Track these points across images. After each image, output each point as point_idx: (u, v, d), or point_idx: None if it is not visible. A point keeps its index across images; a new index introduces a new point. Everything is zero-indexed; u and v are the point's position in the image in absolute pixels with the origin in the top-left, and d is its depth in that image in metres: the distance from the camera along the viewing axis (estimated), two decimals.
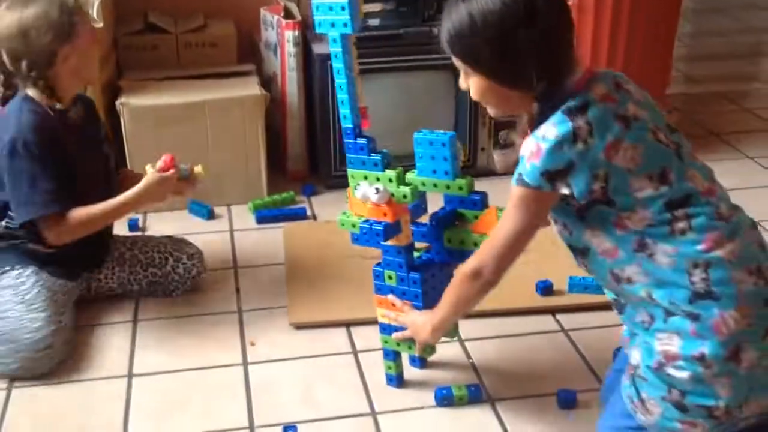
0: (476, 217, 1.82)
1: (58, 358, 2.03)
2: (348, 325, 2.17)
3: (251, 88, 2.82)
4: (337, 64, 1.82)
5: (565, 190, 1.44)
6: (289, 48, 2.88)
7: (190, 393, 1.96)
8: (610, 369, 1.78)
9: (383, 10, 2.85)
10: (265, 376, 2.00)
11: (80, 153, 2.12)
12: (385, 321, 1.90)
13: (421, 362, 2.01)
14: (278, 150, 3.03)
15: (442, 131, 1.75)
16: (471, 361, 2.04)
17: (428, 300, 1.83)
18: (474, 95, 1.53)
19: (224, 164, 2.80)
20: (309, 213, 2.81)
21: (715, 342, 1.41)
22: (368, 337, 2.11)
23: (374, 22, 2.85)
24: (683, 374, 1.43)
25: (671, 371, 1.44)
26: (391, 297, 1.87)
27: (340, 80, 1.82)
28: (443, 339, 1.93)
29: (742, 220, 1.50)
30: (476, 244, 1.78)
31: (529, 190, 1.46)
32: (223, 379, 2.00)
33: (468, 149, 2.97)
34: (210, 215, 2.78)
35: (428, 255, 1.89)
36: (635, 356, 1.51)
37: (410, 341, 1.87)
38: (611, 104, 1.45)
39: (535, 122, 1.47)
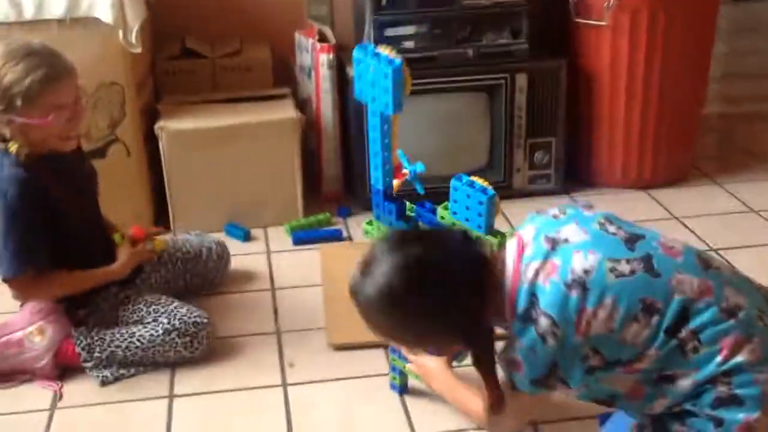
0: None
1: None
2: (387, 346, 2.16)
3: (287, 111, 2.84)
4: (373, 134, 1.78)
5: (560, 385, 1.43)
6: (324, 71, 2.90)
7: (230, 414, 1.96)
8: None
9: (417, 33, 2.86)
10: (304, 397, 2.00)
11: (73, 191, 2.12)
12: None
13: (401, 389, 2.00)
14: (314, 172, 3.04)
15: (481, 185, 1.65)
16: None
17: None
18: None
19: (261, 186, 2.83)
20: (345, 234, 2.81)
21: None
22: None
23: (408, 44, 2.86)
24: None
25: None
26: None
27: (374, 148, 1.79)
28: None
29: (755, 304, 1.42)
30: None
31: (524, 394, 1.47)
32: (263, 401, 2.00)
33: (503, 170, 2.97)
34: (247, 237, 2.80)
35: None
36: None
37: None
38: (555, 276, 1.38)
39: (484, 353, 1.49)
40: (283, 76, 3.14)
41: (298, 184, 2.85)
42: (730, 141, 3.50)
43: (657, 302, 1.37)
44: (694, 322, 1.37)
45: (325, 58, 2.88)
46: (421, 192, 1.88)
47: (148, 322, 2.10)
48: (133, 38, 2.58)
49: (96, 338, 2.09)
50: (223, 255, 2.47)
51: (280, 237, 2.81)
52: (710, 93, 3.31)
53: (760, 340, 1.38)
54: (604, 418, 1.75)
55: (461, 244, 1.47)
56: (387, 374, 2.06)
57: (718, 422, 1.38)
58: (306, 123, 2.87)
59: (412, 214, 1.84)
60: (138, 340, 2.08)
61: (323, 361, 2.14)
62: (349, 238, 2.80)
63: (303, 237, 2.78)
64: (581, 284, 1.37)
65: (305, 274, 2.56)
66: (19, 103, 1.93)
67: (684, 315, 1.38)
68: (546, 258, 1.41)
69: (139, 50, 2.61)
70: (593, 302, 1.37)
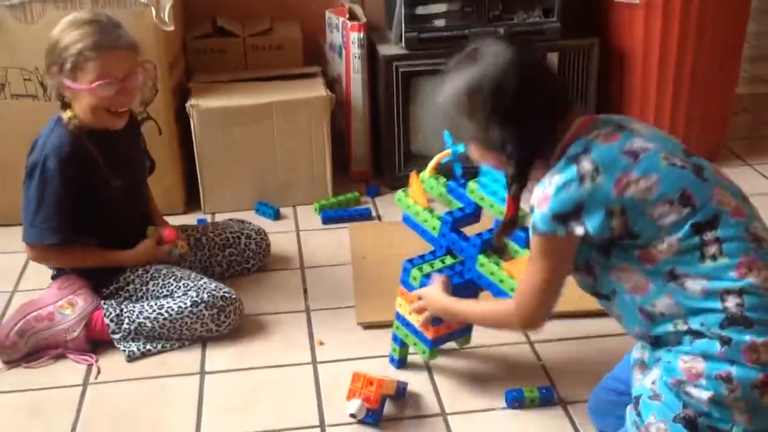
0: (516, 252, 1.83)
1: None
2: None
3: (317, 89, 2.84)
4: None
5: (579, 230, 1.42)
6: (354, 50, 2.89)
7: (260, 391, 1.98)
8: (601, 385, 1.75)
9: (448, 11, 2.84)
10: (334, 375, 2.01)
11: (116, 170, 2.14)
12: (400, 310, 1.94)
13: (400, 363, 2.02)
14: (343, 151, 3.05)
15: None
16: (541, 362, 2.03)
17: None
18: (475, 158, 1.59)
19: (290, 165, 2.83)
20: (374, 213, 2.82)
21: (745, 367, 1.37)
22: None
23: (440, 23, 2.85)
24: (704, 394, 1.39)
25: (691, 390, 1.40)
26: (414, 293, 1.89)
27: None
28: (452, 345, 2.02)
29: None
30: (502, 281, 1.79)
31: (545, 238, 1.45)
32: (293, 378, 2.02)
33: None
34: (276, 216, 2.81)
35: (458, 269, 1.88)
36: (651, 377, 1.47)
37: (417, 339, 1.92)
38: (615, 142, 1.44)
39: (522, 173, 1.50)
40: (314, 54, 3.14)
41: (328, 163, 2.86)
42: (762, 121, 3.46)
43: (695, 197, 1.41)
44: (722, 231, 1.39)
45: (355, 36, 2.88)
46: (458, 173, 1.90)
47: (178, 296, 2.12)
48: (166, 16, 2.59)
49: (125, 310, 2.12)
50: (262, 244, 2.45)
51: (309, 216, 2.82)
52: (741, 73, 3.26)
53: None
54: (595, 408, 1.75)
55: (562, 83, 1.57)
56: (416, 353, 2.07)
57: (726, 341, 1.37)
58: (336, 102, 2.87)
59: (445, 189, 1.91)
60: (166, 312, 2.10)
61: (352, 340, 2.15)
62: (378, 217, 2.80)
63: (332, 216, 2.78)
64: (635, 155, 1.42)
65: (334, 253, 2.57)
66: (68, 66, 1.98)
67: (714, 220, 1.40)
68: (614, 130, 1.47)
69: (171, 29, 2.62)
70: (639, 171, 1.41)
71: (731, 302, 1.38)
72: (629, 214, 1.41)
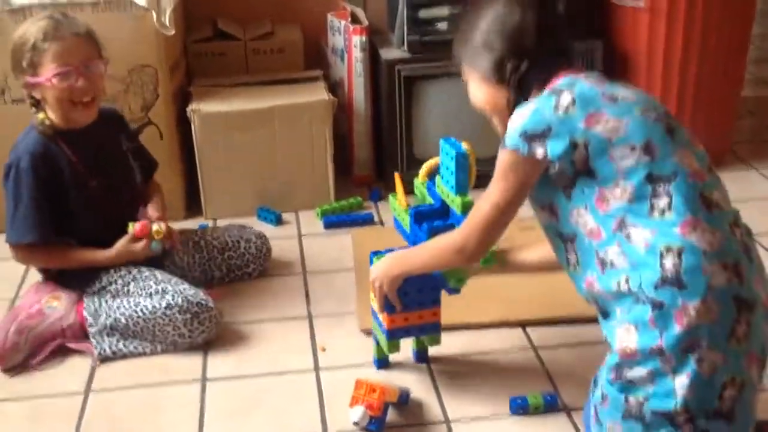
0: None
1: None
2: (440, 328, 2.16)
3: (319, 93, 2.83)
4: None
5: (539, 151, 1.47)
6: (356, 53, 2.88)
7: (262, 398, 1.96)
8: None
9: (451, 14, 2.83)
10: (336, 382, 2.00)
11: (93, 170, 2.15)
12: (372, 305, 1.94)
13: (381, 363, 2.02)
14: (345, 155, 3.03)
15: (460, 144, 1.79)
16: (545, 369, 2.01)
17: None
18: (475, 101, 1.68)
19: (292, 170, 2.82)
20: (376, 218, 2.80)
21: (674, 332, 1.37)
22: (440, 345, 2.09)
23: (442, 26, 2.83)
24: (641, 372, 1.39)
25: (628, 374, 1.41)
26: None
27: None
28: (452, 350, 2.04)
29: (734, 218, 1.47)
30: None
31: (510, 154, 1.51)
32: (295, 385, 2.00)
33: None
34: (278, 221, 2.80)
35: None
36: (600, 382, 1.49)
37: (380, 331, 1.92)
38: (599, 87, 1.52)
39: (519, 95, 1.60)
40: (315, 58, 3.13)
41: (330, 167, 2.84)
42: (767, 124, 3.44)
43: (656, 150, 1.45)
44: (675, 187, 1.42)
45: (357, 40, 2.86)
46: None
47: (155, 297, 2.11)
48: (166, 20, 2.58)
49: (104, 305, 2.13)
50: (263, 248, 2.43)
51: (311, 221, 2.81)
52: (746, 76, 3.24)
53: (722, 238, 1.41)
54: (586, 420, 1.71)
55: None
56: (422, 360, 2.06)
57: (658, 305, 1.38)
58: (338, 106, 2.86)
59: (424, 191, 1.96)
60: (141, 311, 2.09)
61: (355, 346, 2.13)
62: (381, 223, 2.79)
63: (334, 221, 2.77)
64: (613, 99, 1.50)
65: (336, 258, 2.56)
66: (26, 63, 2.02)
67: (671, 177, 1.43)
68: (601, 80, 1.56)
69: (172, 32, 2.61)
70: (612, 113, 1.47)
71: (669, 261, 1.39)
72: (591, 149, 1.46)
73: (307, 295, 2.37)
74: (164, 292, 2.11)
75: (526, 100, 1.56)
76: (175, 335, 2.10)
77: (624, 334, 1.42)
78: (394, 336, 1.91)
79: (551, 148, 1.46)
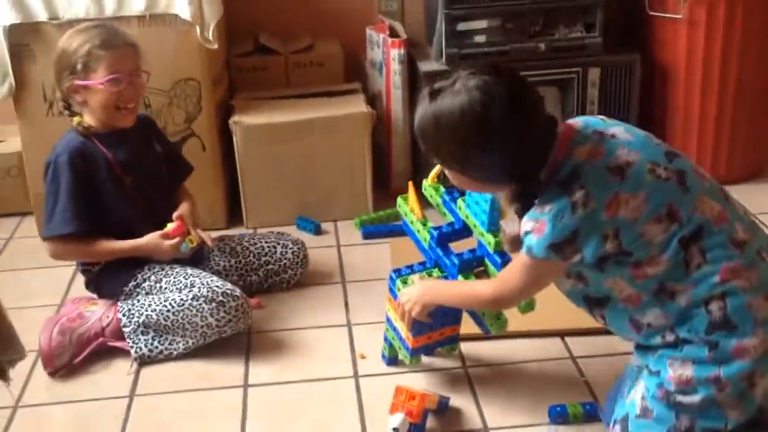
0: (494, 275, 1.84)
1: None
2: (459, 339, 2.17)
3: (358, 105, 2.87)
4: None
5: (576, 258, 1.46)
6: (395, 66, 2.91)
7: (303, 404, 1.99)
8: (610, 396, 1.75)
9: (489, 27, 2.85)
10: (376, 389, 2.01)
11: (129, 171, 2.21)
12: (389, 314, 2.01)
13: (390, 360, 2.08)
14: (383, 167, 3.06)
15: None
16: (584, 378, 2.01)
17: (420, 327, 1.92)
18: (454, 183, 1.59)
19: (331, 181, 2.85)
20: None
21: (733, 365, 1.42)
22: (478, 352, 2.11)
23: (480, 39, 2.86)
24: (695, 398, 1.44)
25: (680, 398, 1.45)
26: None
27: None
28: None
29: (760, 243, 1.49)
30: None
31: (538, 261, 1.48)
32: (335, 392, 2.02)
33: None
34: (317, 231, 2.83)
35: None
36: (637, 391, 1.51)
37: (401, 345, 1.98)
38: (600, 159, 1.45)
39: (525, 197, 1.49)
40: (354, 71, 3.17)
41: (368, 178, 2.87)
42: None
43: (680, 212, 1.44)
44: (706, 242, 1.44)
45: (396, 53, 2.90)
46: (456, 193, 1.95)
47: (184, 291, 2.15)
48: (210, 34, 2.63)
49: (137, 304, 2.17)
50: (300, 254, 2.46)
51: (350, 231, 2.84)
52: None
53: (758, 272, 1.45)
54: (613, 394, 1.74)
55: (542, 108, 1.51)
56: (458, 368, 2.07)
57: (713, 345, 1.43)
58: (376, 118, 2.89)
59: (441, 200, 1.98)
60: (170, 304, 2.13)
61: None
62: None
63: (372, 231, 2.79)
64: (621, 171, 1.44)
65: (375, 268, 2.58)
66: (80, 66, 2.12)
67: (699, 232, 1.44)
68: (596, 144, 1.48)
69: (215, 46, 2.66)
70: (628, 190, 1.43)
71: (714, 306, 1.43)
72: (622, 234, 1.44)
73: (346, 304, 2.40)
74: (192, 285, 2.16)
75: (532, 198, 1.48)
76: (204, 326, 2.13)
77: (679, 366, 1.46)
78: (417, 353, 2.00)
79: (586, 251, 1.44)
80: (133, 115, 2.23)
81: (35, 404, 2.04)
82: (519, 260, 1.55)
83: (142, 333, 2.16)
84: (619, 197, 1.43)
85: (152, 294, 2.20)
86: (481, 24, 2.85)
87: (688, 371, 1.45)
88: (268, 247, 2.44)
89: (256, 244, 2.44)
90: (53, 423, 1.99)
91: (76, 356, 2.15)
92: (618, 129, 1.52)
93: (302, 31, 3.18)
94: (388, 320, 2.04)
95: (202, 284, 2.14)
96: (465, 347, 2.14)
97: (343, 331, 2.27)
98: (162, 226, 2.23)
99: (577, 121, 1.55)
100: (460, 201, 1.90)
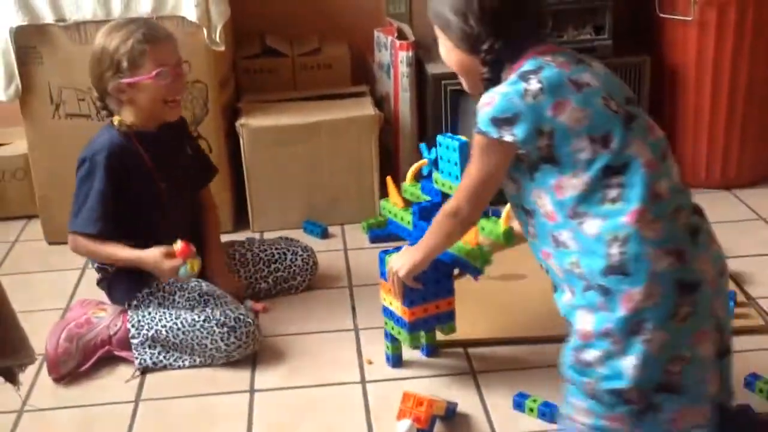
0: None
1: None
2: (465, 345, 2.15)
3: (365, 108, 2.85)
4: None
5: (508, 137, 1.52)
6: (403, 68, 2.90)
7: (310, 410, 1.98)
8: None
9: None
10: (383, 394, 2.00)
11: (162, 172, 2.20)
12: (384, 303, 2.02)
13: (395, 360, 2.08)
14: (391, 169, 3.04)
15: (459, 136, 1.88)
16: None
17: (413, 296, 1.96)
18: (444, 60, 1.72)
19: (338, 183, 2.84)
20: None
21: (620, 315, 1.46)
22: (487, 358, 2.09)
23: None
24: (595, 353, 1.49)
25: (584, 356, 1.51)
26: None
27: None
28: (442, 336, 2.09)
29: (679, 203, 1.53)
30: (468, 254, 1.93)
31: (482, 137, 1.57)
32: (342, 397, 2.01)
33: None
34: (324, 234, 2.82)
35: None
36: (564, 360, 1.56)
37: (399, 327, 2.00)
38: (566, 70, 1.55)
39: (492, 82, 1.60)
40: (362, 73, 3.16)
41: (376, 181, 2.86)
42: None
43: (613, 142, 1.50)
44: (627, 178, 1.49)
45: (404, 55, 2.88)
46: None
47: (196, 310, 2.13)
48: (217, 36, 2.62)
49: (147, 316, 2.15)
50: (309, 261, 2.44)
51: (357, 235, 2.82)
52: None
53: (666, 227, 1.48)
54: None
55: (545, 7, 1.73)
56: (467, 373, 2.06)
57: (606, 291, 1.48)
58: (384, 120, 2.87)
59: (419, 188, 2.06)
60: (181, 323, 2.11)
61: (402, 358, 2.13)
62: None
63: (380, 234, 2.78)
64: (579, 86, 1.54)
65: None
66: (125, 64, 2.09)
67: (624, 167, 1.49)
68: (570, 61, 1.58)
69: (222, 48, 2.65)
70: (577, 102, 1.52)
71: (615, 249, 1.47)
72: (556, 137, 1.51)
73: (353, 308, 2.38)
74: (206, 303, 2.14)
75: (498, 75, 1.60)
76: (213, 349, 2.12)
77: (583, 316, 1.52)
78: (415, 328, 1.99)
79: (519, 133, 1.52)
80: (179, 108, 2.21)
81: (41, 408, 2.03)
82: (473, 149, 1.63)
83: (150, 347, 2.14)
84: (567, 104, 1.51)
85: (164, 307, 2.17)
86: None
87: (588, 324, 1.50)
88: (278, 253, 2.42)
89: (266, 251, 2.42)
90: (59, 427, 1.98)
91: (82, 364, 2.14)
92: (598, 64, 1.62)
93: (309, 33, 3.16)
94: (384, 309, 2.04)
95: (216, 305, 2.13)
96: (473, 352, 2.12)
97: (350, 336, 2.25)
98: (182, 232, 2.20)
99: (565, 47, 1.65)
100: (435, 174, 1.96)
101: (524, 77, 1.54)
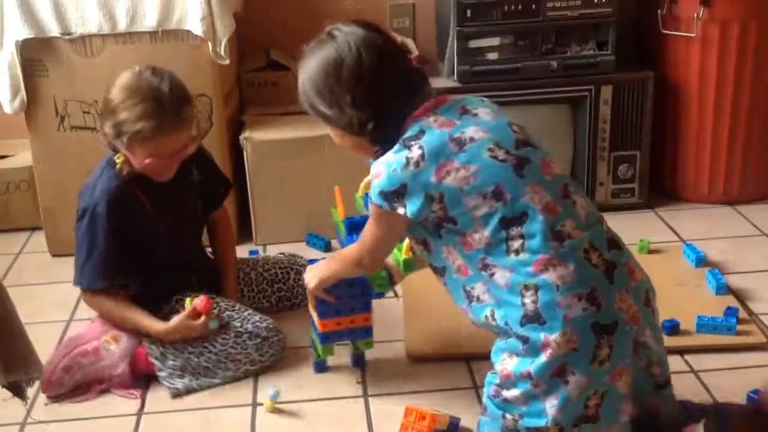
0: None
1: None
2: (468, 359, 2.15)
3: None
4: None
5: (400, 210, 1.56)
6: None
7: (312, 424, 1.97)
8: None
9: (501, 44, 2.84)
10: (385, 409, 2.00)
11: (162, 212, 2.16)
12: (310, 311, 2.09)
13: (319, 366, 2.13)
14: None
15: None
16: None
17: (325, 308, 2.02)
18: (339, 144, 1.74)
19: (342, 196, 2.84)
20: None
21: (541, 361, 1.50)
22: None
23: (492, 56, 2.85)
24: (515, 393, 1.54)
25: (505, 393, 1.56)
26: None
27: None
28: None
29: (590, 241, 1.53)
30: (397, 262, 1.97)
31: (376, 207, 1.61)
32: (345, 411, 2.01)
33: (586, 183, 2.93)
34: (327, 248, 2.82)
35: None
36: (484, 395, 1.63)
37: (315, 336, 2.08)
38: (447, 129, 1.56)
39: (384, 152, 1.62)
40: None
41: None
42: None
43: (506, 193, 1.53)
44: (527, 228, 1.51)
45: None
46: None
47: (221, 326, 2.12)
48: (222, 50, 2.63)
49: (169, 347, 2.12)
50: None
51: None
52: None
53: (577, 270, 1.50)
54: None
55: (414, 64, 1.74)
56: (469, 388, 2.05)
57: (525, 340, 1.51)
58: None
59: None
60: (211, 345, 2.10)
61: (404, 373, 2.13)
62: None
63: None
64: (461, 144, 1.55)
65: None
66: (125, 138, 2.00)
67: (522, 217, 1.52)
68: (454, 117, 1.60)
69: (227, 62, 2.66)
70: (462, 161, 1.53)
71: (528, 299, 1.51)
72: (447, 200, 1.54)
73: None
74: (231, 319, 2.13)
75: (390, 147, 1.60)
76: (247, 363, 2.12)
77: (507, 358, 1.56)
78: (327, 339, 2.06)
79: (409, 207, 1.55)
80: (171, 174, 2.11)
81: (43, 421, 2.03)
82: (369, 220, 1.69)
83: (179, 376, 2.11)
84: (451, 164, 1.53)
85: None
86: (493, 41, 2.84)
87: (509, 365, 1.55)
88: (281, 273, 2.41)
89: (269, 270, 2.41)
90: None
91: (75, 395, 2.10)
92: (485, 111, 1.62)
93: None
94: (311, 318, 2.10)
95: (243, 319, 2.14)
96: (476, 367, 2.12)
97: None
98: (190, 266, 2.21)
99: (455, 97, 1.68)
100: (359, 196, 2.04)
101: (406, 144, 1.56)
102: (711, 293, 2.39)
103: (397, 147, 1.58)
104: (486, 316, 1.58)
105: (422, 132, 1.56)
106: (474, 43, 2.84)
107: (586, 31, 2.85)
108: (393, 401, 2.02)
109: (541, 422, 1.52)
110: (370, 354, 2.21)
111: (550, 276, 1.49)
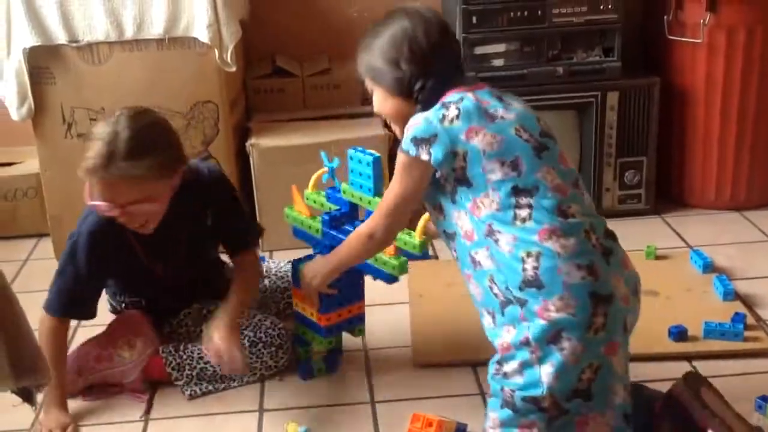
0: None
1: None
2: (474, 365, 2.15)
3: (375, 128, 2.86)
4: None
5: (425, 156, 1.63)
6: None
7: (319, 429, 1.97)
8: None
9: (507, 51, 2.85)
10: (392, 415, 2.00)
11: (156, 254, 2.10)
12: (297, 309, 2.12)
13: (305, 370, 2.14)
14: None
15: (371, 151, 1.96)
16: None
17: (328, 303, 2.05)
18: (375, 107, 1.83)
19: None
20: (431, 252, 2.81)
21: (537, 325, 1.55)
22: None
23: (498, 62, 2.85)
24: (513, 364, 1.58)
25: (505, 367, 1.60)
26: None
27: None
28: (353, 335, 2.19)
29: (591, 226, 1.62)
30: (385, 264, 1.96)
31: (403, 155, 1.67)
32: (352, 417, 2.01)
33: (593, 189, 2.93)
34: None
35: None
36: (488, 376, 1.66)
37: (313, 332, 2.10)
38: (483, 104, 1.66)
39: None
40: (371, 94, 3.16)
41: None
42: None
43: (523, 166, 1.62)
44: (536, 200, 1.60)
45: None
46: (338, 185, 2.09)
47: None
48: (228, 57, 2.64)
49: (185, 356, 2.12)
50: None
51: None
52: None
53: (578, 244, 1.58)
54: None
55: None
56: (476, 394, 2.05)
57: (523, 303, 1.57)
58: (393, 140, 2.88)
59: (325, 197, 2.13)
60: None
61: (410, 380, 2.13)
62: (435, 257, 2.79)
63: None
64: (493, 118, 1.65)
65: (391, 292, 2.54)
66: (81, 173, 1.91)
67: (533, 190, 1.61)
68: (490, 98, 1.70)
69: (234, 69, 2.67)
70: (490, 129, 1.63)
71: (529, 264, 1.57)
72: (469, 158, 1.62)
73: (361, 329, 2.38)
74: (242, 327, 2.11)
75: (427, 108, 1.70)
76: (263, 369, 2.14)
77: (506, 333, 1.61)
78: (330, 333, 2.09)
79: (434, 153, 1.62)
80: (146, 229, 2.00)
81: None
82: (396, 168, 1.71)
83: (196, 384, 2.12)
84: (480, 129, 1.63)
85: (195, 337, 2.15)
86: (499, 48, 2.84)
87: (507, 338, 1.59)
88: (287, 277, 2.38)
89: (276, 274, 2.42)
90: None
91: (85, 395, 2.12)
92: (518, 102, 1.73)
93: (319, 54, 3.18)
94: (296, 315, 2.12)
95: (256, 328, 2.14)
96: (482, 373, 2.11)
97: (359, 356, 2.25)
98: (194, 293, 2.20)
99: (492, 89, 1.75)
100: (344, 185, 2.03)
101: (446, 105, 1.66)
102: (718, 299, 2.38)
103: (436, 107, 1.67)
104: (488, 281, 1.63)
105: (461, 99, 1.66)
106: (480, 50, 2.84)
107: (592, 37, 2.86)
108: (400, 407, 2.01)
109: (537, 392, 1.57)
110: (377, 360, 2.22)
111: (553, 245, 1.57)
